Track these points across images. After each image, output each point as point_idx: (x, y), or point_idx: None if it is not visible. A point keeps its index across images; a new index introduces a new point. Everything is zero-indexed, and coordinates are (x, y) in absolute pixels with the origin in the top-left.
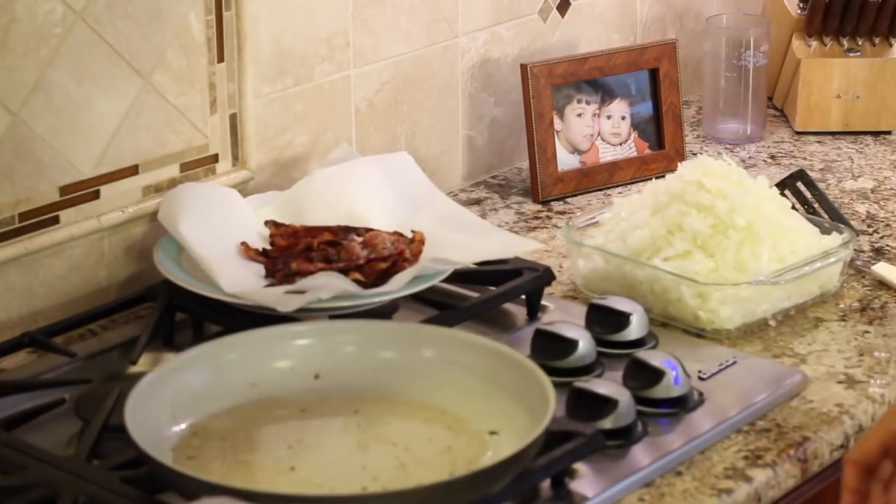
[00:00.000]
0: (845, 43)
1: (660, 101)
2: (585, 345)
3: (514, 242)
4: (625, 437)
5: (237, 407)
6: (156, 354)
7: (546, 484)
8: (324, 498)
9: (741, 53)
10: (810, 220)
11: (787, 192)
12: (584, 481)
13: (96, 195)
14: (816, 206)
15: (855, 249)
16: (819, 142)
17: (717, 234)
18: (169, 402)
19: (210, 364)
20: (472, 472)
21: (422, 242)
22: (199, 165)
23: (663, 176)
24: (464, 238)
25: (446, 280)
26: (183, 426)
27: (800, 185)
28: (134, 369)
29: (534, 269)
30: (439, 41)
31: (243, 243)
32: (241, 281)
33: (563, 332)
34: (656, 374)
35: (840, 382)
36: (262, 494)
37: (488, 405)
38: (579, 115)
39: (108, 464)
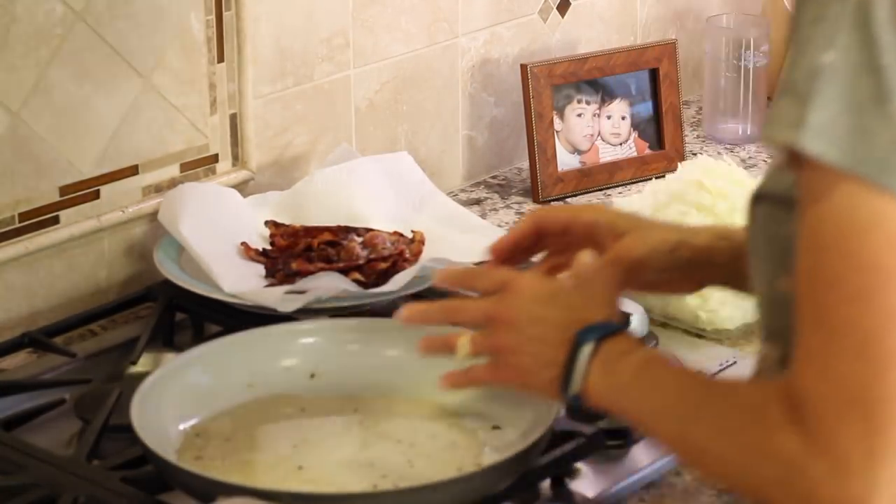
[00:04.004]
0: None
1: (660, 102)
2: None
3: None
4: (625, 437)
5: (238, 406)
6: (156, 354)
7: (546, 484)
8: (341, 496)
9: (741, 53)
10: None
11: None
12: (585, 481)
13: (96, 195)
14: None
15: None
16: None
17: None
18: (173, 402)
19: (211, 364)
20: (482, 467)
21: (422, 242)
22: (199, 165)
23: (663, 176)
24: (464, 238)
25: None
26: (186, 426)
27: None
28: (134, 369)
29: None
30: (439, 41)
31: (243, 243)
32: (241, 281)
33: None
34: None
35: None
36: (282, 494)
37: (489, 401)
38: (579, 115)
39: (108, 464)
